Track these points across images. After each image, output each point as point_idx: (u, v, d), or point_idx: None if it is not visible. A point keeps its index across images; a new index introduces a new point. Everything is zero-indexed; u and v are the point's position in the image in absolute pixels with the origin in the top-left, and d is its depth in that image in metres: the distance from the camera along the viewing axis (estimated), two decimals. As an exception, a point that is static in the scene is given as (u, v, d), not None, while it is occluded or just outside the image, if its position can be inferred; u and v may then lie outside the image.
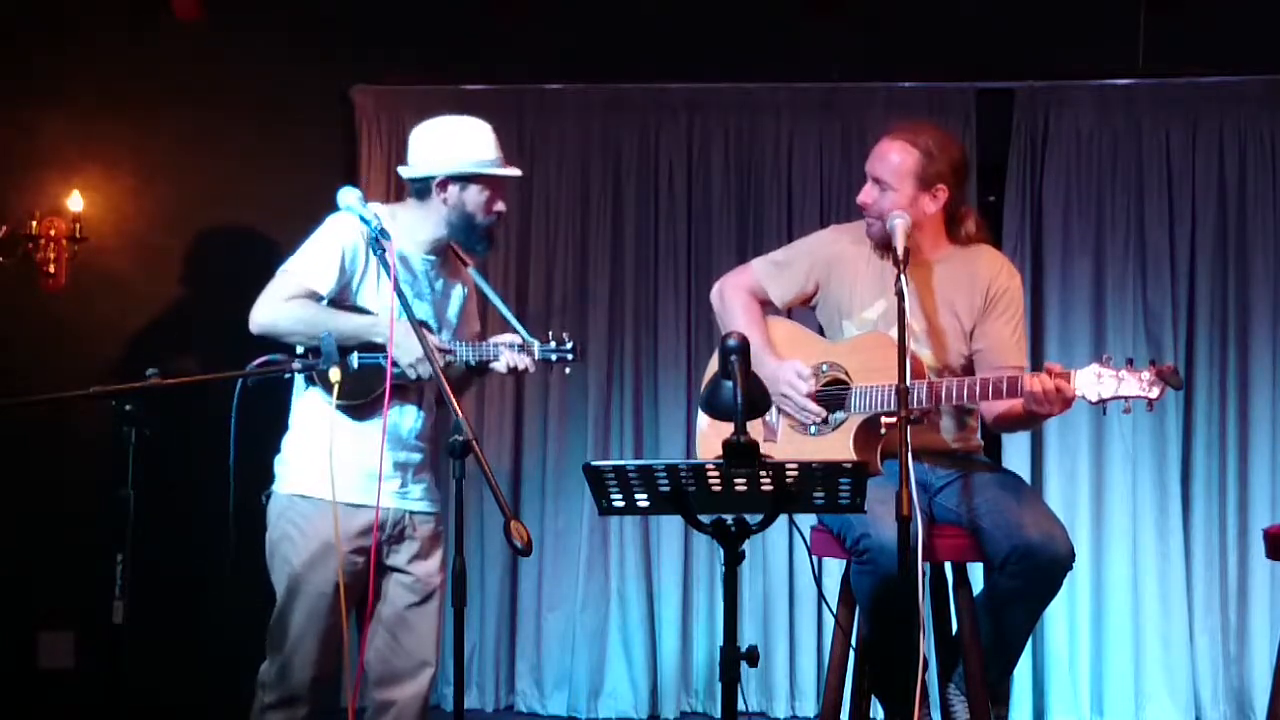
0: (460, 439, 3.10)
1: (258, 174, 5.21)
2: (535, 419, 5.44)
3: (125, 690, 3.32)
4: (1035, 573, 3.48)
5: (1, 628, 5.05)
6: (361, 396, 3.65)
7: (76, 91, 5.17)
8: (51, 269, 5.05)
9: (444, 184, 3.71)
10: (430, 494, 3.84)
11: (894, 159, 3.70)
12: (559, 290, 5.46)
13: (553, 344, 3.77)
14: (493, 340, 3.76)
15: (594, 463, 2.95)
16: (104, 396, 3.24)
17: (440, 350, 3.64)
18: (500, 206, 3.76)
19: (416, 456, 3.79)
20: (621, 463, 2.92)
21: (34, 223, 5.03)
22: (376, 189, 5.37)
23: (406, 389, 3.68)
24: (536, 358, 3.74)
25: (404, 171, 3.78)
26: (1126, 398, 3.29)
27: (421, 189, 3.75)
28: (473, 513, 5.26)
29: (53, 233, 5.04)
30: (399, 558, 3.74)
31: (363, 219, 3.58)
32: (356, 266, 3.70)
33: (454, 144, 3.72)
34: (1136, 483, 5.23)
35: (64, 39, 5.18)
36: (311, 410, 3.73)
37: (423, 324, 3.58)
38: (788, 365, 3.69)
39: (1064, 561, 3.49)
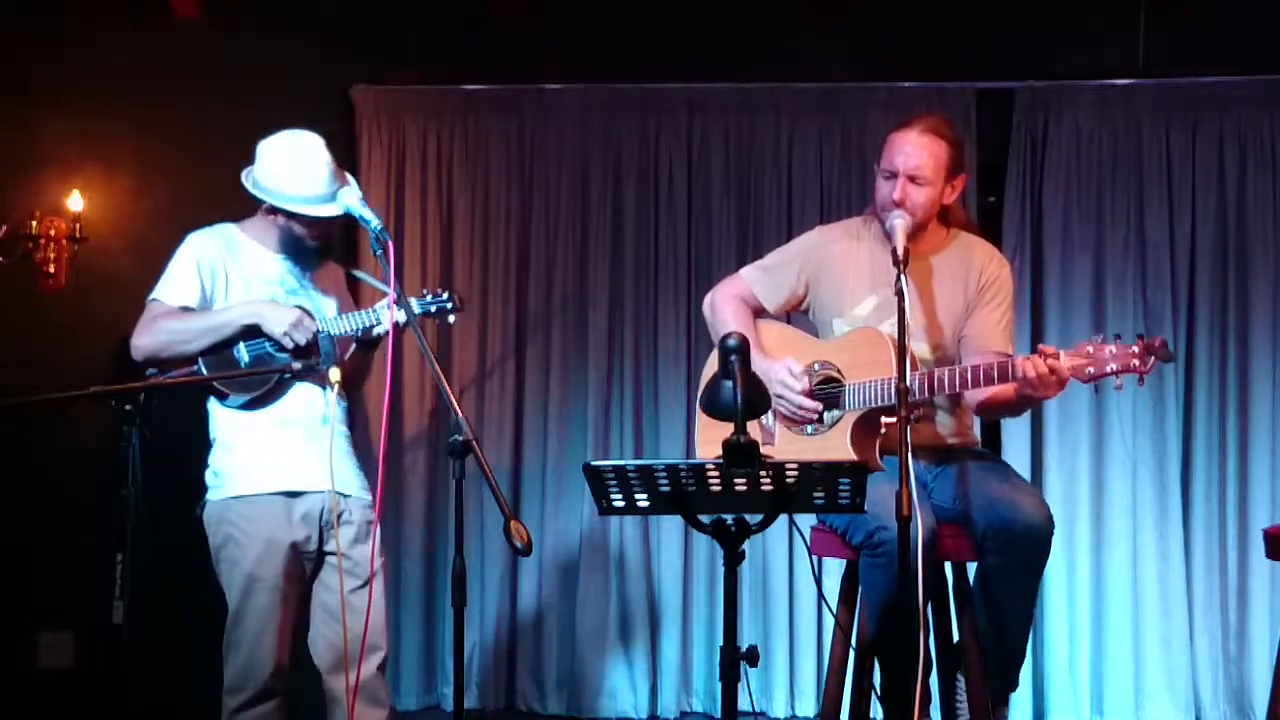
0: (460, 439, 3.13)
1: (258, 174, 5.20)
2: (535, 419, 5.44)
3: (125, 690, 3.32)
4: (1015, 544, 3.46)
5: (1, 628, 5.04)
6: (257, 388, 3.79)
7: (76, 91, 5.16)
8: (51, 269, 5.04)
9: (271, 209, 3.87)
10: (359, 479, 3.96)
11: (932, 154, 3.64)
12: (559, 290, 5.46)
13: (429, 296, 3.92)
14: (371, 308, 3.90)
15: (594, 463, 2.96)
16: (104, 396, 3.25)
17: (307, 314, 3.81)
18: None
19: (339, 441, 3.87)
20: (621, 463, 2.93)
21: (34, 223, 5.02)
22: (376, 189, 5.38)
23: (301, 373, 3.78)
24: (417, 312, 3.87)
25: (244, 180, 3.90)
26: (1116, 373, 3.28)
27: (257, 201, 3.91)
28: (473, 512, 5.26)
29: (53, 233, 5.04)
30: (341, 542, 3.82)
31: (362, 219, 3.65)
32: (216, 276, 3.86)
33: (277, 177, 3.83)
34: (1136, 483, 5.23)
35: (64, 39, 5.18)
36: (222, 418, 3.88)
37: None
38: (780, 364, 3.67)
39: (1040, 532, 3.46)
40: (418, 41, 5.41)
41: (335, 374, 3.63)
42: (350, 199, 3.72)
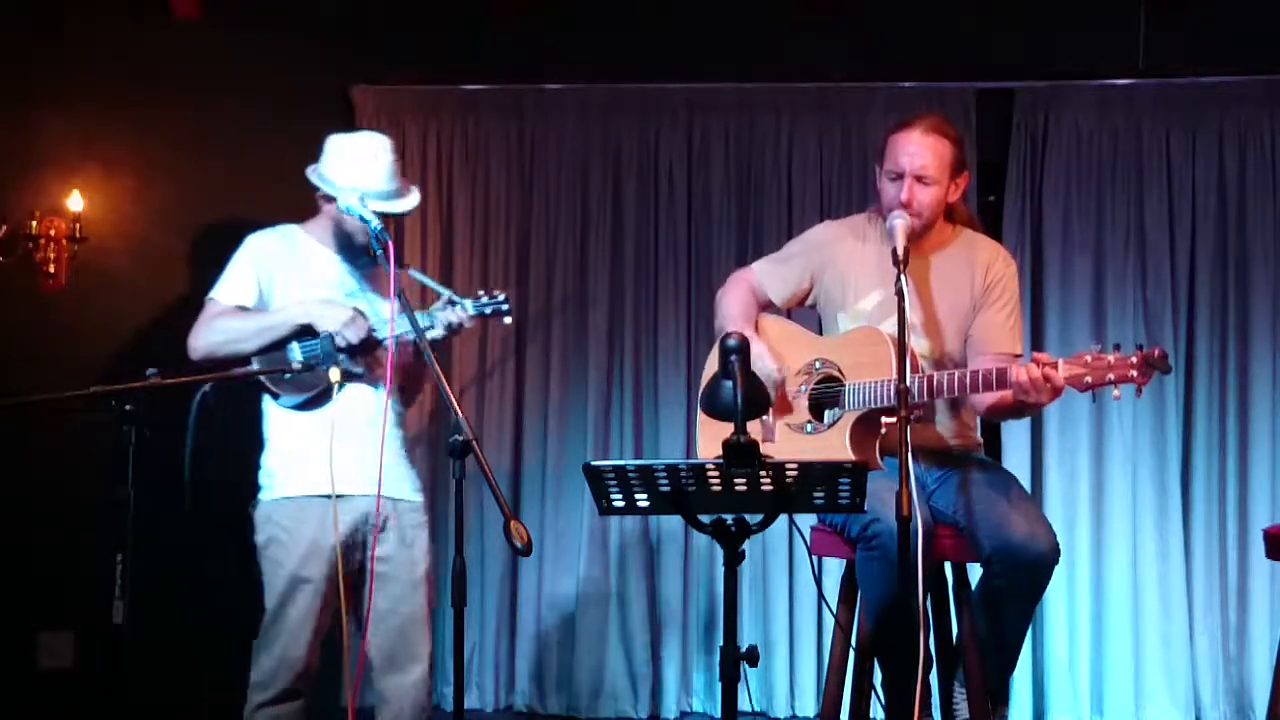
0: (460, 439, 3.14)
1: (258, 174, 5.19)
2: (535, 419, 5.44)
3: (125, 690, 3.32)
4: (1018, 572, 3.48)
5: (1, 628, 5.05)
6: (310, 389, 3.79)
7: (76, 91, 5.16)
8: (51, 269, 5.04)
9: (329, 199, 3.87)
10: (411, 482, 3.93)
11: (936, 153, 3.65)
12: (559, 290, 5.46)
13: (484, 298, 3.90)
14: (426, 311, 3.90)
15: (594, 463, 2.96)
16: (104, 396, 3.25)
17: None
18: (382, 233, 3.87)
19: (391, 444, 3.85)
20: (621, 463, 2.93)
21: (34, 223, 5.02)
22: (376, 189, 5.37)
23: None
24: (471, 313, 3.87)
25: (308, 173, 3.91)
26: (1115, 383, 3.28)
27: (320, 195, 3.91)
28: (473, 512, 5.26)
29: (53, 233, 5.04)
30: (384, 547, 3.82)
31: (363, 219, 3.65)
32: (274, 277, 3.88)
33: (341, 168, 3.84)
34: (1136, 483, 5.23)
35: (64, 39, 5.18)
36: (276, 417, 3.89)
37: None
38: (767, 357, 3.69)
39: (1045, 560, 3.48)
40: (418, 41, 5.40)
41: (335, 374, 3.64)
42: (350, 198, 3.72)
